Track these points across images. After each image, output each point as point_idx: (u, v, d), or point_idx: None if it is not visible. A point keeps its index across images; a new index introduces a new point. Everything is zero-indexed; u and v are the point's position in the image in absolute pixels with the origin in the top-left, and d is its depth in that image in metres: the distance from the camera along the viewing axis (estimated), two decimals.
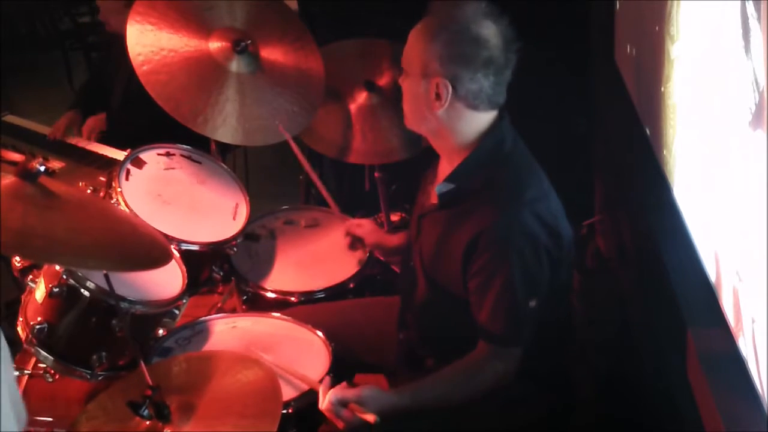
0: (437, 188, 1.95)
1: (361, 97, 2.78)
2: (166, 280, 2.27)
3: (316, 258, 2.60)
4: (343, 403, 1.81)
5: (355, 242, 2.53)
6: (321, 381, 1.91)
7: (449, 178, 1.94)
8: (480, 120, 1.89)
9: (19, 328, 2.13)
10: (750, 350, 1.45)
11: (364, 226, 2.48)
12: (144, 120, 3.06)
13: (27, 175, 1.71)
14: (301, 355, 2.09)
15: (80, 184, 2.72)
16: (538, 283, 1.86)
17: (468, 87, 1.84)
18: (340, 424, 1.80)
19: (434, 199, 1.96)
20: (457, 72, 1.83)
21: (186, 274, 2.32)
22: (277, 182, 4.05)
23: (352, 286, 2.49)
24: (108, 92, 3.43)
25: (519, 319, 1.86)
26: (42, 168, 1.71)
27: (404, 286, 2.16)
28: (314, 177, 2.62)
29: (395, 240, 2.42)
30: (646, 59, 2.29)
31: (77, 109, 3.42)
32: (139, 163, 2.54)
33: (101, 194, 2.49)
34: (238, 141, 2.63)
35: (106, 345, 2.11)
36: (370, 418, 1.77)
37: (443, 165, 2.00)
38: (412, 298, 2.09)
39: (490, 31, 1.84)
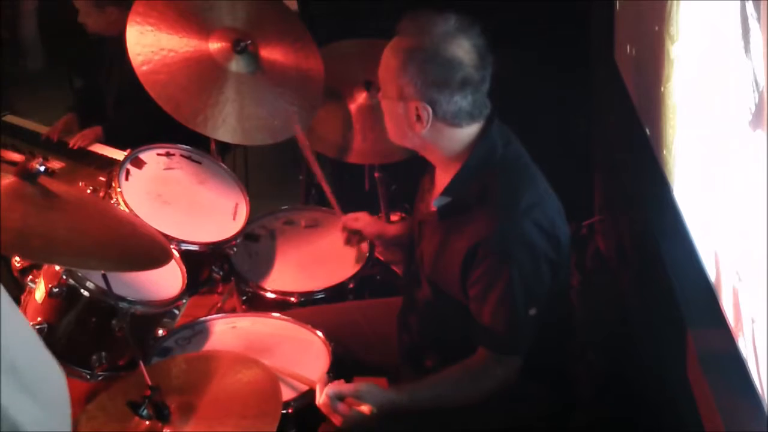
0: (435, 202, 1.94)
1: (361, 97, 2.78)
2: (166, 280, 2.27)
3: (316, 258, 2.60)
4: (339, 398, 1.81)
5: (352, 237, 2.51)
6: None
7: (445, 192, 1.93)
8: (464, 133, 1.88)
9: None
10: (750, 350, 1.45)
11: (361, 219, 2.45)
12: (140, 119, 3.07)
13: (27, 175, 1.71)
14: (300, 355, 2.09)
15: (80, 184, 2.72)
16: (537, 291, 1.86)
17: (446, 109, 1.83)
18: (337, 419, 1.80)
19: (433, 208, 1.96)
20: (434, 96, 1.82)
21: (186, 274, 2.32)
22: (277, 182, 4.05)
23: (351, 286, 2.49)
24: (102, 93, 3.43)
25: (518, 328, 1.86)
26: (42, 168, 1.71)
27: (407, 288, 2.16)
28: (320, 176, 2.61)
29: (395, 229, 2.41)
30: (646, 59, 2.29)
31: (75, 112, 3.41)
32: (138, 163, 2.54)
33: (101, 194, 2.50)
34: (237, 141, 2.63)
35: (106, 345, 2.11)
36: (365, 408, 1.76)
37: (439, 174, 2.00)
38: (415, 300, 2.09)
39: (462, 50, 1.81)
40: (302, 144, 2.59)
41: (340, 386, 1.83)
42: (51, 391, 1.07)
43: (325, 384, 1.85)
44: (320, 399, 1.82)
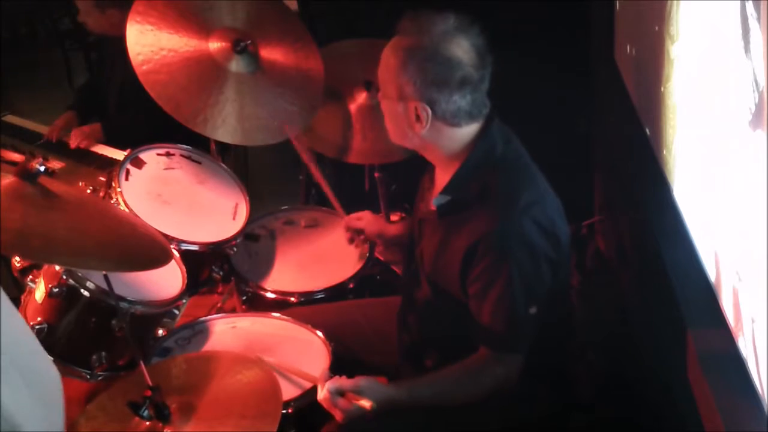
0: (434, 201, 1.95)
1: (361, 97, 2.78)
2: (166, 280, 2.27)
3: (315, 258, 2.60)
4: (340, 393, 1.81)
5: (354, 236, 2.51)
6: None
7: (445, 191, 1.94)
8: (464, 133, 1.89)
9: None
10: (750, 350, 1.45)
11: (363, 218, 2.45)
12: (141, 120, 3.07)
13: (27, 175, 1.71)
14: (300, 355, 2.09)
15: (80, 184, 2.72)
16: (537, 289, 1.86)
17: (445, 108, 1.83)
18: (338, 414, 1.80)
19: (432, 207, 1.97)
20: (433, 95, 1.82)
21: (186, 274, 2.32)
22: (277, 182, 4.05)
23: (351, 286, 2.49)
24: (104, 94, 3.43)
25: (518, 326, 1.86)
26: (42, 168, 1.71)
27: (406, 287, 2.16)
28: (320, 178, 2.62)
29: (396, 229, 2.41)
30: (646, 59, 2.29)
31: (75, 111, 3.41)
32: (138, 163, 2.54)
33: (101, 194, 2.50)
34: (237, 141, 2.63)
35: (106, 345, 2.12)
36: (366, 404, 1.77)
37: (439, 173, 2.00)
38: (414, 300, 2.09)
39: (461, 50, 1.81)
40: (298, 146, 2.59)
41: (340, 381, 1.83)
42: (49, 389, 1.09)
43: (326, 380, 1.85)
44: (321, 394, 1.83)
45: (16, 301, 2.23)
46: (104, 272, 1.93)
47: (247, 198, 2.61)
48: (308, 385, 1.97)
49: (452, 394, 1.89)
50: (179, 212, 2.49)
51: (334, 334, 2.15)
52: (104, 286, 1.99)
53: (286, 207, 2.82)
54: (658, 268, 2.03)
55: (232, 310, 2.55)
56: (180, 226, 2.39)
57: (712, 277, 1.70)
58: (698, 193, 1.81)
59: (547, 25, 3.20)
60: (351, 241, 2.51)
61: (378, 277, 2.64)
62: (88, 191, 2.60)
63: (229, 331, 2.21)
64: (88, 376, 2.12)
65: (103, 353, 2.11)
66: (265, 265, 2.56)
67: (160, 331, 2.22)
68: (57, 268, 2.07)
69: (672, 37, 1.96)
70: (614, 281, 2.80)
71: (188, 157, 2.66)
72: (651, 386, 2.23)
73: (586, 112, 3.29)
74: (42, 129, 3.31)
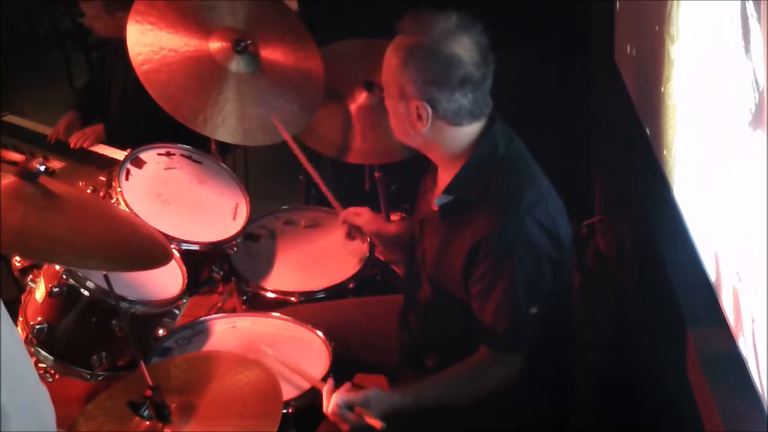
0: (436, 201, 1.95)
1: (361, 97, 2.78)
2: (166, 280, 2.27)
3: (316, 258, 2.60)
4: (348, 407, 1.81)
5: (352, 231, 2.49)
6: (324, 381, 1.91)
7: (447, 190, 1.94)
8: (466, 132, 1.89)
9: (18, 328, 2.13)
10: (750, 350, 1.45)
11: (362, 215, 2.41)
12: (142, 121, 3.07)
13: (27, 175, 1.71)
14: (301, 354, 2.09)
15: (80, 184, 2.72)
16: (539, 289, 1.86)
17: (446, 107, 1.83)
18: (345, 428, 1.80)
19: (434, 207, 1.97)
20: (434, 94, 1.82)
21: (186, 274, 2.32)
22: (277, 182, 4.04)
23: (352, 286, 2.49)
24: (106, 94, 3.43)
25: (520, 326, 1.86)
26: (42, 168, 1.71)
27: (408, 287, 2.16)
28: (315, 175, 2.62)
29: (394, 228, 2.40)
30: (646, 59, 2.29)
31: (77, 110, 3.41)
32: (139, 163, 2.54)
33: (101, 194, 2.50)
34: (237, 141, 2.63)
35: (106, 345, 2.12)
36: (377, 424, 1.76)
37: (441, 173, 2.00)
38: (415, 299, 2.09)
39: (462, 48, 1.81)
40: (291, 143, 2.58)
41: (348, 395, 1.83)
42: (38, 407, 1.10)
43: (332, 391, 1.84)
44: (329, 407, 1.82)
45: (17, 301, 2.23)
46: (104, 272, 1.94)
47: (247, 198, 2.61)
48: (308, 384, 1.96)
49: (454, 396, 1.89)
50: (179, 212, 2.49)
51: (335, 333, 2.15)
52: (104, 285, 1.99)
53: (286, 207, 2.82)
54: (658, 268, 2.04)
55: (232, 310, 2.55)
56: (180, 226, 2.39)
57: (712, 277, 1.70)
58: (698, 193, 1.81)
59: (547, 25, 3.20)
60: (349, 235, 2.49)
61: (378, 277, 2.64)
62: (89, 191, 2.60)
63: (229, 331, 2.21)
64: (88, 376, 2.13)
65: (103, 353, 2.11)
66: (266, 265, 2.56)
67: (160, 331, 2.22)
68: (57, 267, 2.07)
69: (672, 37, 1.96)
70: (614, 281, 2.80)
71: (189, 157, 2.66)
72: (651, 386, 2.23)
73: (586, 112, 3.29)
74: (42, 129, 3.31)
